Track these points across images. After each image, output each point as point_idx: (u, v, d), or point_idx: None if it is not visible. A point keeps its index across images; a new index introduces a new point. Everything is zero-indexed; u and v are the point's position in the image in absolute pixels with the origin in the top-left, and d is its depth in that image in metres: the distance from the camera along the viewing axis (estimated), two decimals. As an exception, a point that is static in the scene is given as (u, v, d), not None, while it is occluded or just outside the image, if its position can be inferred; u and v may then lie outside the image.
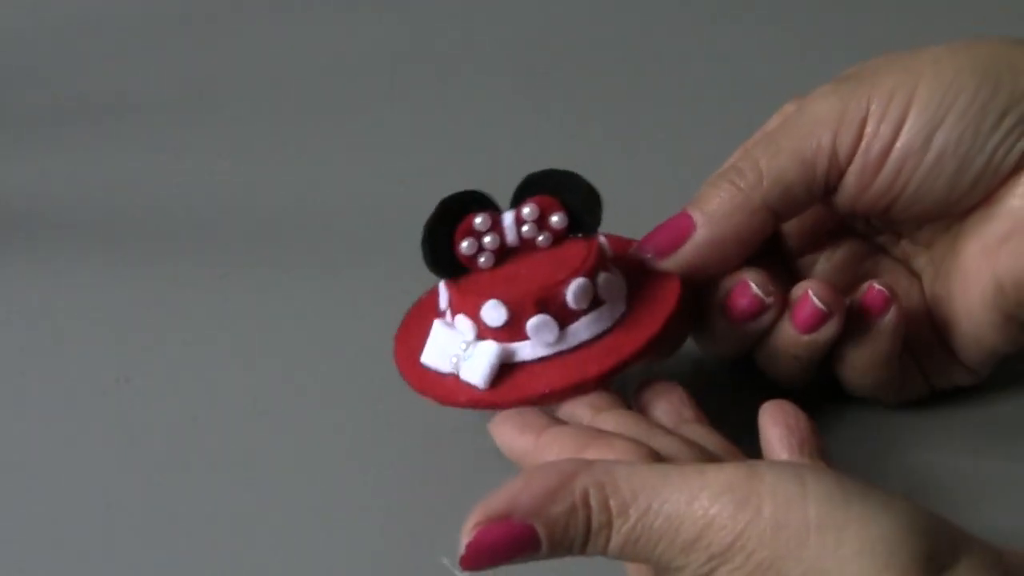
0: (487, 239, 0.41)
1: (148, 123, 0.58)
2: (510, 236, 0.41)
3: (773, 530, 0.30)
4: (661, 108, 0.57)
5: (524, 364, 0.41)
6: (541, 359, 0.41)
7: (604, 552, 0.31)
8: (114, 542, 0.43)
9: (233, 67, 0.61)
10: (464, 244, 0.41)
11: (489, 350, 0.40)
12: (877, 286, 0.41)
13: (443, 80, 0.60)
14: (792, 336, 0.41)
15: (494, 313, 0.40)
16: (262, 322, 0.49)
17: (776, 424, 0.38)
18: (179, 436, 0.46)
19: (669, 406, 0.40)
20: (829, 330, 0.40)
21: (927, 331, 0.43)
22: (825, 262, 0.45)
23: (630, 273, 0.42)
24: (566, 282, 0.40)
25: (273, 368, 0.48)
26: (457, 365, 0.41)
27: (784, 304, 0.41)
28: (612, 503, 0.31)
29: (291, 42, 0.62)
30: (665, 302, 0.42)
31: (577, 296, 0.40)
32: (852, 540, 0.29)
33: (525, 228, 0.41)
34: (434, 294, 0.44)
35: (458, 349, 0.41)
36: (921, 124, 0.39)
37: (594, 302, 0.41)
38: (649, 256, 0.42)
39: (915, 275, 0.44)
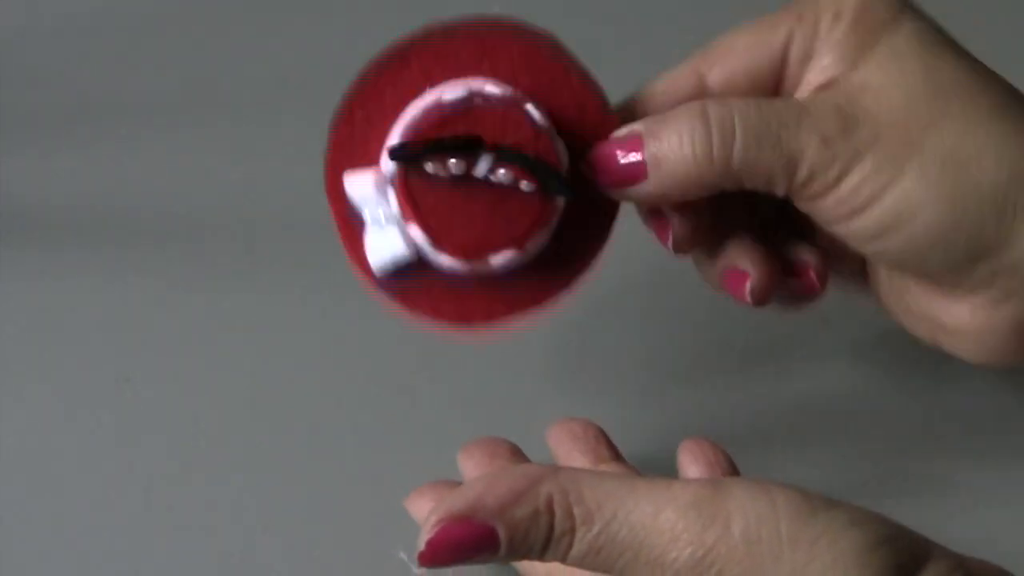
0: (454, 170, 0.38)
1: (148, 123, 0.58)
2: (477, 174, 0.38)
3: (745, 546, 0.29)
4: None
5: (429, 271, 0.39)
6: (449, 275, 0.39)
7: (564, 559, 0.31)
8: (114, 542, 0.43)
9: (233, 67, 0.61)
10: (430, 166, 0.38)
11: (399, 249, 0.39)
12: (812, 273, 0.40)
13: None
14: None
15: (419, 238, 0.38)
16: (262, 322, 0.49)
17: (695, 461, 0.38)
18: (179, 436, 0.46)
19: (586, 446, 0.40)
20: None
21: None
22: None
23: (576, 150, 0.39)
24: (499, 250, 0.38)
25: (273, 368, 0.48)
26: (368, 223, 0.39)
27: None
28: (576, 511, 0.31)
29: (291, 42, 0.62)
30: (589, 251, 0.39)
31: (504, 266, 0.38)
32: (824, 553, 0.29)
33: (492, 178, 0.38)
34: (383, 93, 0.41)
35: (377, 212, 0.39)
36: (877, 218, 0.36)
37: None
38: (592, 176, 0.38)
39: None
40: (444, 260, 0.38)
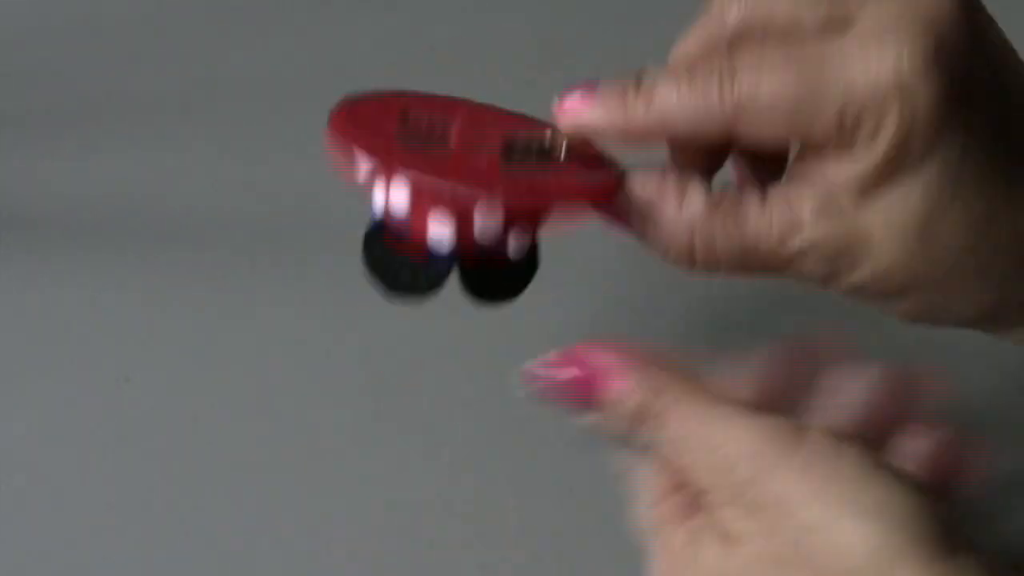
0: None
1: (148, 123, 0.58)
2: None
3: (801, 471, 0.32)
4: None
5: None
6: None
7: (645, 438, 0.35)
8: (115, 541, 0.43)
9: (233, 67, 0.61)
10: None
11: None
12: None
13: (444, 80, 0.60)
14: None
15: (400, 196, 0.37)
16: (262, 321, 0.49)
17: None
18: (179, 436, 0.46)
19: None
20: None
21: None
22: None
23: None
24: (479, 209, 0.36)
25: (273, 367, 0.48)
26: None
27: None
28: (665, 414, 0.35)
29: (291, 42, 0.62)
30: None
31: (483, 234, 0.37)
32: (869, 503, 0.31)
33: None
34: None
35: None
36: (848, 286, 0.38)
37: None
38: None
39: None
40: None
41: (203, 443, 0.45)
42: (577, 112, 0.38)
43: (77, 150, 0.57)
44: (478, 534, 0.43)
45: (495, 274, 0.39)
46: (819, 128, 0.35)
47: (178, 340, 0.49)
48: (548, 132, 0.39)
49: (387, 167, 0.37)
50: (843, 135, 0.35)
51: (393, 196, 0.37)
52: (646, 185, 0.39)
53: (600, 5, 0.64)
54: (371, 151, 0.37)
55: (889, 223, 0.36)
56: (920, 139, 0.35)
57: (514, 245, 0.37)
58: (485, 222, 0.36)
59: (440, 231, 0.37)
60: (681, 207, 0.38)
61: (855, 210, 0.37)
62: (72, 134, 0.57)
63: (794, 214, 0.37)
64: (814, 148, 0.36)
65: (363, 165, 0.37)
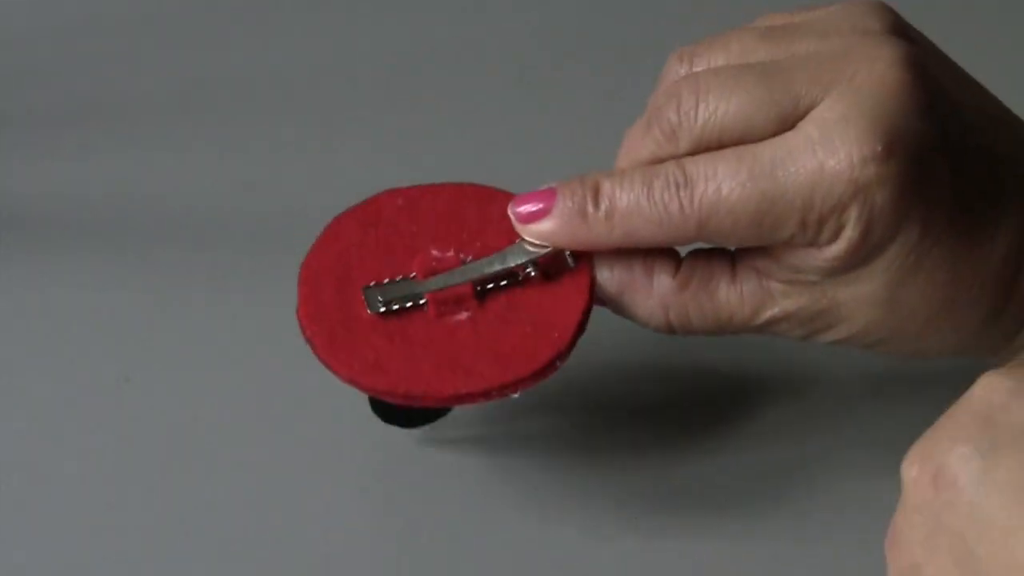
0: None
1: (148, 123, 0.58)
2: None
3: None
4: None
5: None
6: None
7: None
8: (114, 541, 0.43)
9: (233, 67, 0.61)
10: None
11: None
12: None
13: (443, 80, 0.60)
14: None
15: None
16: (262, 321, 0.49)
17: None
18: (179, 436, 0.46)
19: None
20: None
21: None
22: None
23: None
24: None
25: (274, 368, 0.48)
26: None
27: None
28: None
29: (291, 42, 0.62)
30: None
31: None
32: None
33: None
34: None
35: None
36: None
37: None
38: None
39: None
40: None
41: (203, 443, 0.45)
42: (536, 224, 0.39)
43: (77, 150, 0.57)
44: (477, 534, 0.43)
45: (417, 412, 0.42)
46: (782, 235, 0.36)
47: (178, 340, 0.49)
48: (511, 254, 0.40)
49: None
50: (807, 236, 0.36)
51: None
52: (613, 277, 0.39)
53: (601, 5, 0.64)
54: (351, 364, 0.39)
55: (856, 298, 0.38)
56: (881, 230, 0.36)
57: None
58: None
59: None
60: (652, 291, 0.39)
61: (823, 287, 0.38)
62: (72, 134, 0.57)
63: (763, 290, 0.39)
64: (776, 243, 0.37)
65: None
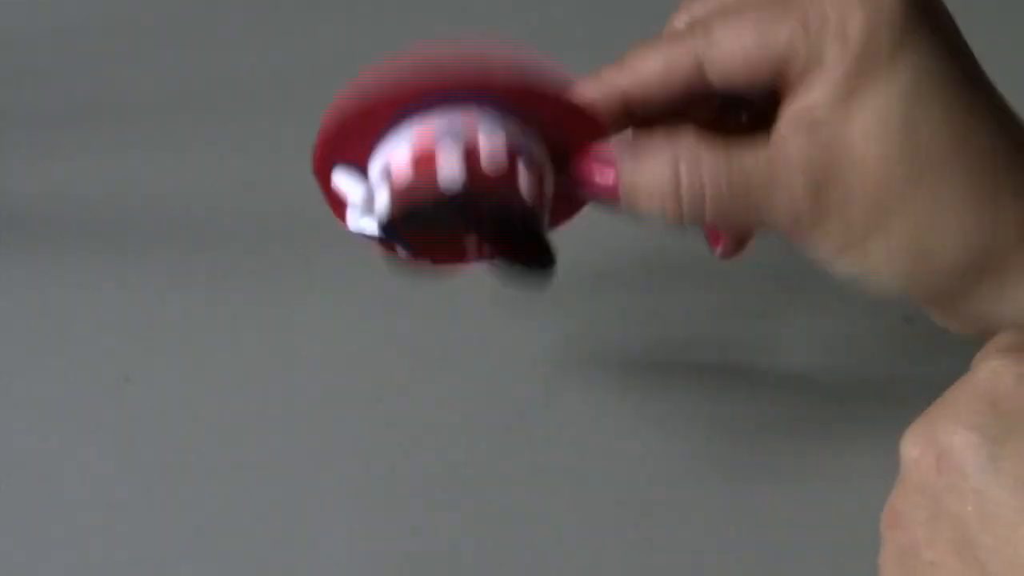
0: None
1: (148, 123, 0.58)
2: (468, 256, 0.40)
3: None
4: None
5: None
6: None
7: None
8: (114, 541, 0.43)
9: (233, 67, 0.61)
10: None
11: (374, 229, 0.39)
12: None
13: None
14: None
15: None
16: (262, 322, 0.49)
17: None
18: (179, 436, 0.46)
19: None
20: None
21: None
22: None
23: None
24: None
25: (273, 368, 0.48)
26: (350, 208, 0.40)
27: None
28: None
29: (290, 42, 0.62)
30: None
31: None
32: None
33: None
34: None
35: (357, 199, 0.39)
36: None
37: None
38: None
39: None
40: None
41: (203, 443, 0.45)
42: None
43: (77, 150, 0.57)
44: (480, 533, 0.43)
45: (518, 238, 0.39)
46: (784, 36, 0.36)
47: (178, 340, 0.49)
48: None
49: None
50: (811, 44, 0.36)
51: (395, 162, 0.37)
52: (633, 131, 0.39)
53: (601, 5, 0.64)
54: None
55: (869, 131, 0.36)
56: (887, 38, 0.35)
57: (524, 176, 0.37)
58: (491, 144, 0.37)
59: (450, 168, 0.37)
60: (670, 140, 0.38)
61: (835, 123, 0.36)
62: (72, 134, 0.57)
63: (778, 135, 0.37)
64: (789, 85, 0.37)
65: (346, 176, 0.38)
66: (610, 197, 0.38)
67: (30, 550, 0.42)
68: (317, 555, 0.42)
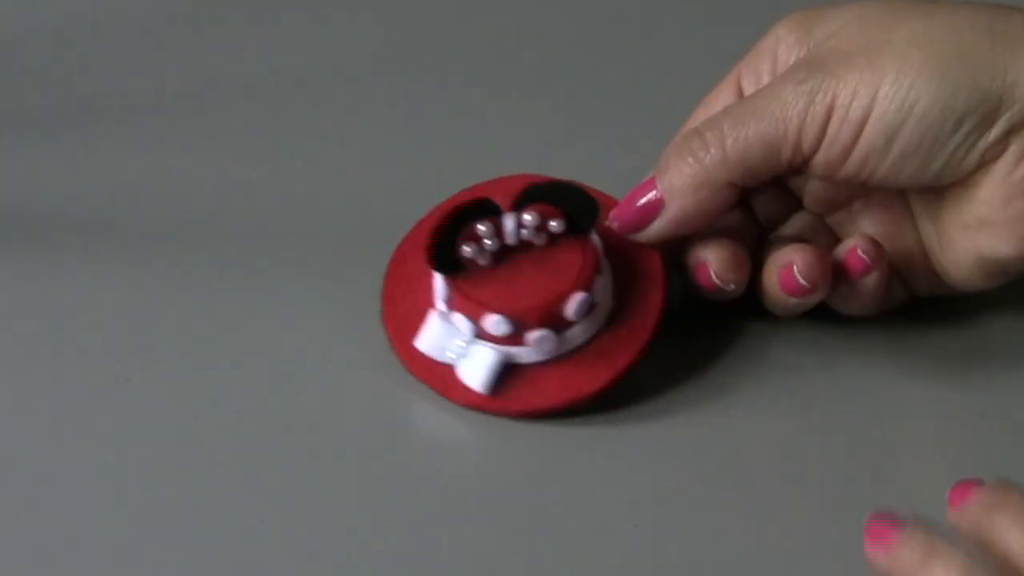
0: (488, 242, 0.42)
1: (148, 123, 0.58)
2: (510, 239, 0.42)
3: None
4: (659, 109, 0.57)
5: (522, 368, 0.42)
6: (538, 364, 0.42)
7: None
8: (114, 541, 0.43)
9: (233, 67, 0.61)
10: (467, 248, 0.42)
11: (489, 357, 0.41)
12: (859, 252, 0.42)
13: (444, 80, 0.61)
14: (779, 296, 0.43)
15: (498, 325, 0.41)
16: (263, 321, 0.49)
17: None
18: (179, 436, 0.46)
19: None
20: (813, 300, 0.43)
21: (917, 255, 0.45)
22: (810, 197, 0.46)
23: (609, 243, 0.44)
24: (567, 296, 0.42)
25: (274, 368, 0.48)
26: (455, 361, 0.42)
27: (747, 278, 0.44)
28: None
29: (291, 42, 0.62)
30: (651, 301, 0.44)
31: (578, 311, 0.42)
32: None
33: (524, 232, 0.42)
34: (410, 249, 0.46)
35: (455, 346, 0.42)
36: (881, 127, 0.40)
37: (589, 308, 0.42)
38: (617, 227, 0.44)
39: (907, 205, 0.45)
40: (530, 337, 0.42)
41: (203, 443, 0.45)
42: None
43: (77, 150, 0.57)
44: (480, 533, 0.43)
45: None
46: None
47: (178, 340, 0.49)
48: None
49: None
50: None
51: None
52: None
53: (601, 5, 0.64)
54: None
55: (846, 16, 0.42)
56: None
57: None
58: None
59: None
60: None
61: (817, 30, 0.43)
62: (72, 134, 0.57)
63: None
64: None
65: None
66: (654, 212, 0.43)
67: (30, 550, 0.42)
68: (318, 555, 0.42)
